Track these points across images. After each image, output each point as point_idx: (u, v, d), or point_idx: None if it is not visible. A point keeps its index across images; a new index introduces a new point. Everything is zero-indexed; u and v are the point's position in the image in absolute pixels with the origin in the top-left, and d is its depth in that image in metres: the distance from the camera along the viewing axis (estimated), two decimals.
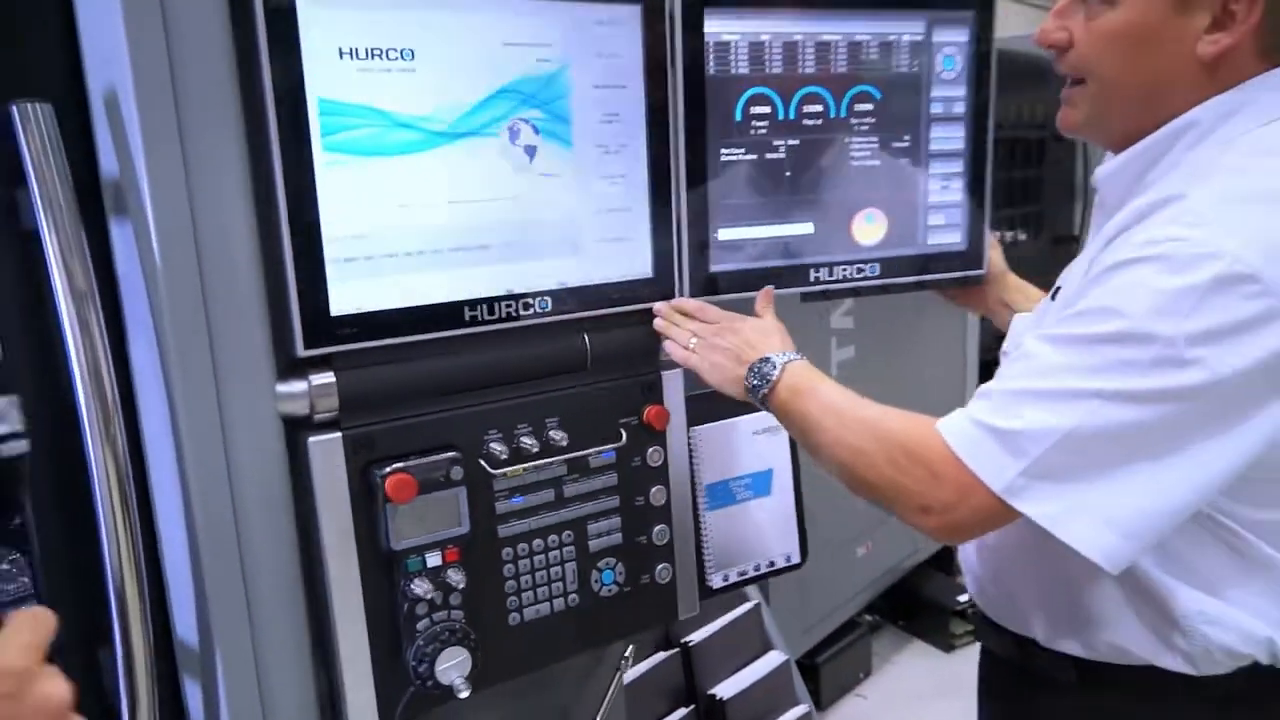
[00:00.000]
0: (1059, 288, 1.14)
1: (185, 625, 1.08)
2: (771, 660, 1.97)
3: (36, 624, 0.65)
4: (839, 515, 2.54)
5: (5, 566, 0.99)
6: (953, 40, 1.36)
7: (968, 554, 1.26)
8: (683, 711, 1.83)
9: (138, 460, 1.06)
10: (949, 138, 1.38)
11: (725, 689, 1.86)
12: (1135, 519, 0.94)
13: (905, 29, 1.34)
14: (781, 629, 2.08)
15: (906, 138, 1.36)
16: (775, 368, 1.15)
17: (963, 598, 3.26)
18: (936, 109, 1.37)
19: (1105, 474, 0.94)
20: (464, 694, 1.11)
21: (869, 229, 1.38)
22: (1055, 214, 4.25)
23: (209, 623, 1.05)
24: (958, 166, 1.39)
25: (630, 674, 1.50)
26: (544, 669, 1.25)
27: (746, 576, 1.45)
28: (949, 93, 1.37)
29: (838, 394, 1.12)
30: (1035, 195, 4.08)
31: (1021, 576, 1.17)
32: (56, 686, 0.64)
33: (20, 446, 0.93)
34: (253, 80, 0.99)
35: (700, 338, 1.22)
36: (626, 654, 1.41)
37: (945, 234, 1.41)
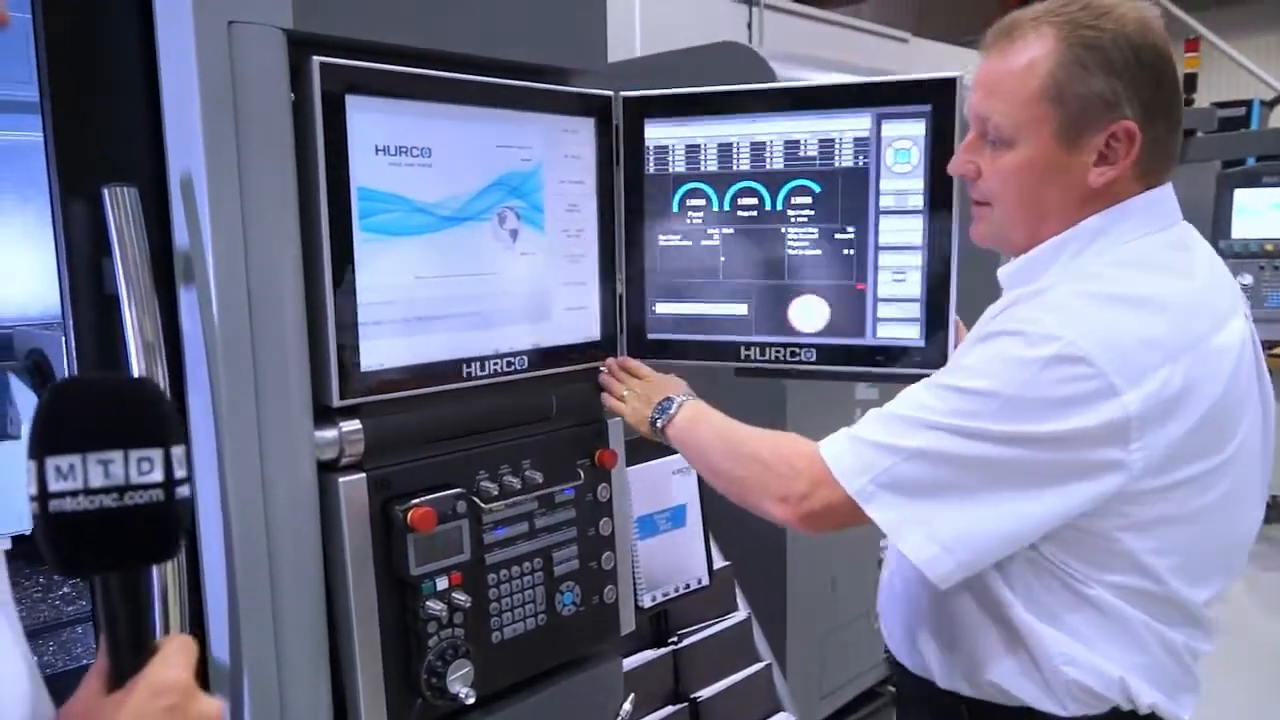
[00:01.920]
0: None
1: (219, 645, 1.19)
2: None
3: (189, 647, 0.72)
4: (861, 587, 2.68)
5: (66, 590, 1.08)
6: (905, 134, 1.40)
7: (882, 601, 1.43)
8: None
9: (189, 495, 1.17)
10: (902, 230, 1.41)
11: None
12: (956, 538, 1.12)
13: (849, 126, 1.41)
14: (798, 694, 2.19)
15: (850, 229, 1.42)
16: (673, 404, 1.42)
17: None
18: (887, 202, 1.41)
19: (937, 496, 1.12)
20: (470, 700, 1.27)
21: (807, 315, 1.47)
22: None
23: (240, 643, 1.17)
24: (914, 259, 1.41)
25: None
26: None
27: (669, 597, 1.68)
28: (902, 185, 1.40)
29: (724, 421, 1.38)
30: None
31: (919, 618, 1.33)
32: (212, 704, 0.72)
33: None
34: (307, 170, 1.16)
35: (632, 391, 1.48)
36: (627, 705, 1.59)
37: (898, 327, 1.43)
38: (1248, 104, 6.45)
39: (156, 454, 0.67)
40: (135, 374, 1.07)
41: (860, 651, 2.95)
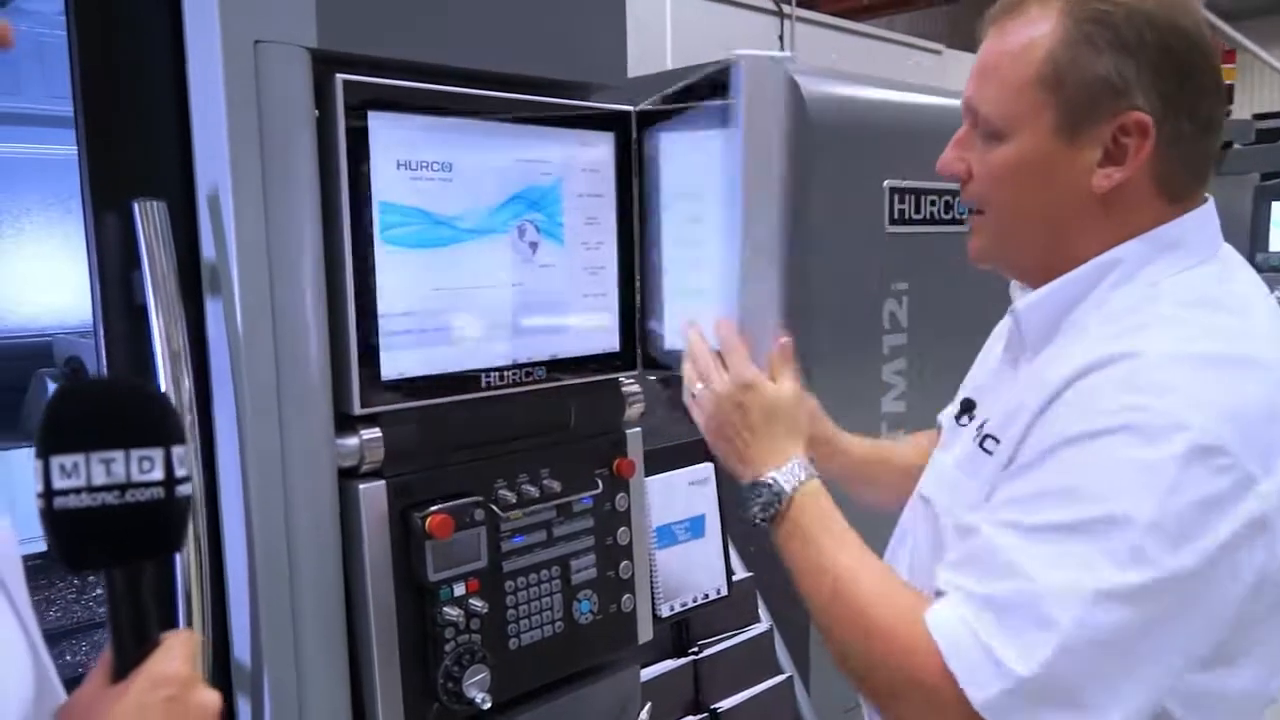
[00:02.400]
0: (970, 402, 1.16)
1: (241, 647, 1.22)
2: None
3: (191, 641, 0.76)
4: None
5: (99, 591, 1.11)
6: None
7: None
8: None
9: (211, 500, 1.20)
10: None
11: None
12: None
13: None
14: (821, 709, 2.20)
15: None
16: (780, 500, 1.08)
17: None
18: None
19: (1096, 681, 0.87)
20: (486, 705, 1.29)
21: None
22: None
23: (260, 644, 1.20)
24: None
25: None
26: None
27: (687, 607, 1.69)
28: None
29: (842, 553, 1.05)
30: None
31: None
32: (211, 695, 0.75)
33: None
34: (330, 184, 1.19)
35: (707, 389, 1.19)
36: (644, 714, 1.59)
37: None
38: None
39: (157, 453, 0.70)
40: (161, 381, 1.10)
41: None
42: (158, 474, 0.70)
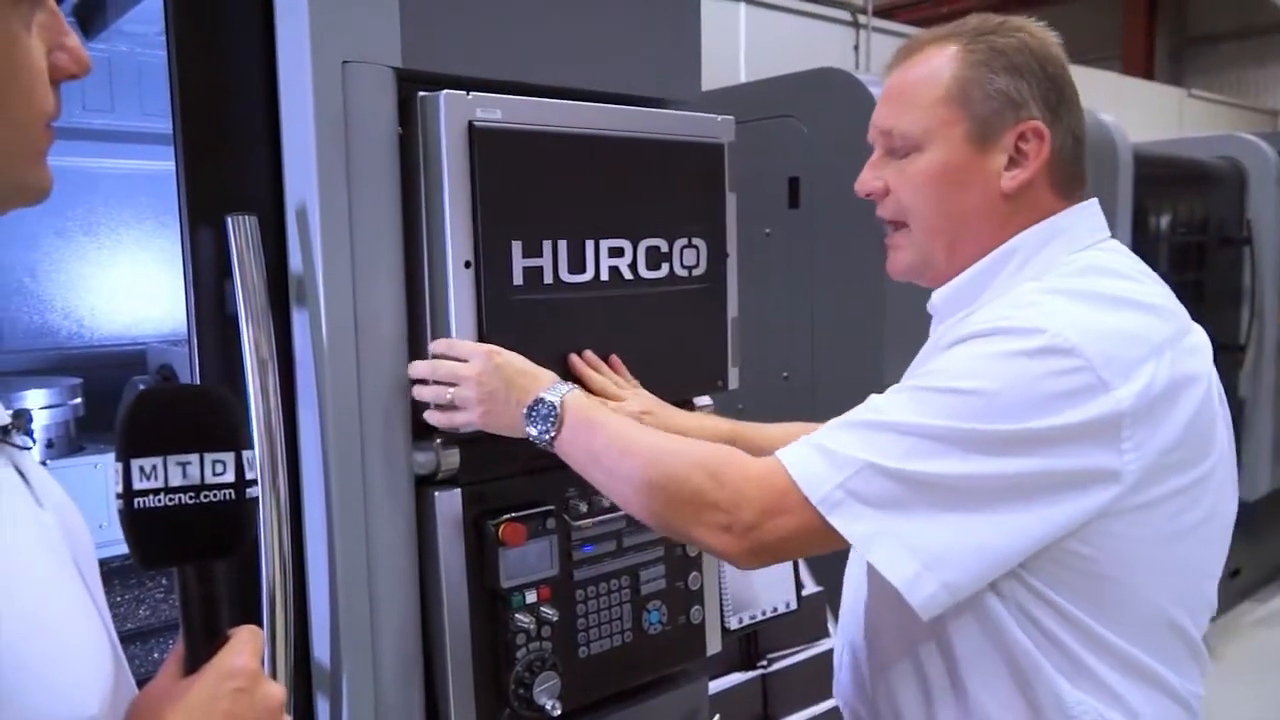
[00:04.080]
0: None
1: (321, 648, 1.26)
2: None
3: (256, 637, 0.78)
4: None
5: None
6: None
7: (844, 638, 1.34)
8: None
9: (295, 504, 1.25)
10: None
11: None
12: (938, 555, 1.01)
13: None
14: None
15: None
16: (556, 407, 1.16)
17: None
18: None
19: (915, 509, 1.01)
20: (557, 712, 1.31)
21: None
22: (1218, 321, 4.14)
23: (339, 647, 1.24)
24: None
25: None
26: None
27: (756, 620, 1.69)
28: None
29: (628, 426, 1.17)
30: (1196, 300, 3.89)
31: (890, 655, 1.23)
32: (276, 688, 0.77)
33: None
34: (411, 204, 1.23)
35: (461, 385, 1.20)
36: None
37: None
38: None
39: (229, 457, 0.73)
40: (249, 388, 1.15)
41: None
42: (229, 476, 0.73)
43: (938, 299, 1.23)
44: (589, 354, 1.35)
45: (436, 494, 1.27)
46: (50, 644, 0.64)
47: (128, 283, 2.47)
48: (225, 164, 1.24)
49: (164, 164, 1.24)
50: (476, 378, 1.19)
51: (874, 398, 1.09)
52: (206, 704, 0.71)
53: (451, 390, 1.20)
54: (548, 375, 1.22)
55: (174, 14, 1.20)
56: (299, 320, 1.22)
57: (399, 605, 1.27)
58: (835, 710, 2.08)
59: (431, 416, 1.23)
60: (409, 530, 1.27)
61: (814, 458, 1.06)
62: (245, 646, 0.75)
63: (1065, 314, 1.04)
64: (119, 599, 1.94)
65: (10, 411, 0.75)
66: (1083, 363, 1.01)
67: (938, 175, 1.16)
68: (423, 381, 1.23)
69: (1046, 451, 1.01)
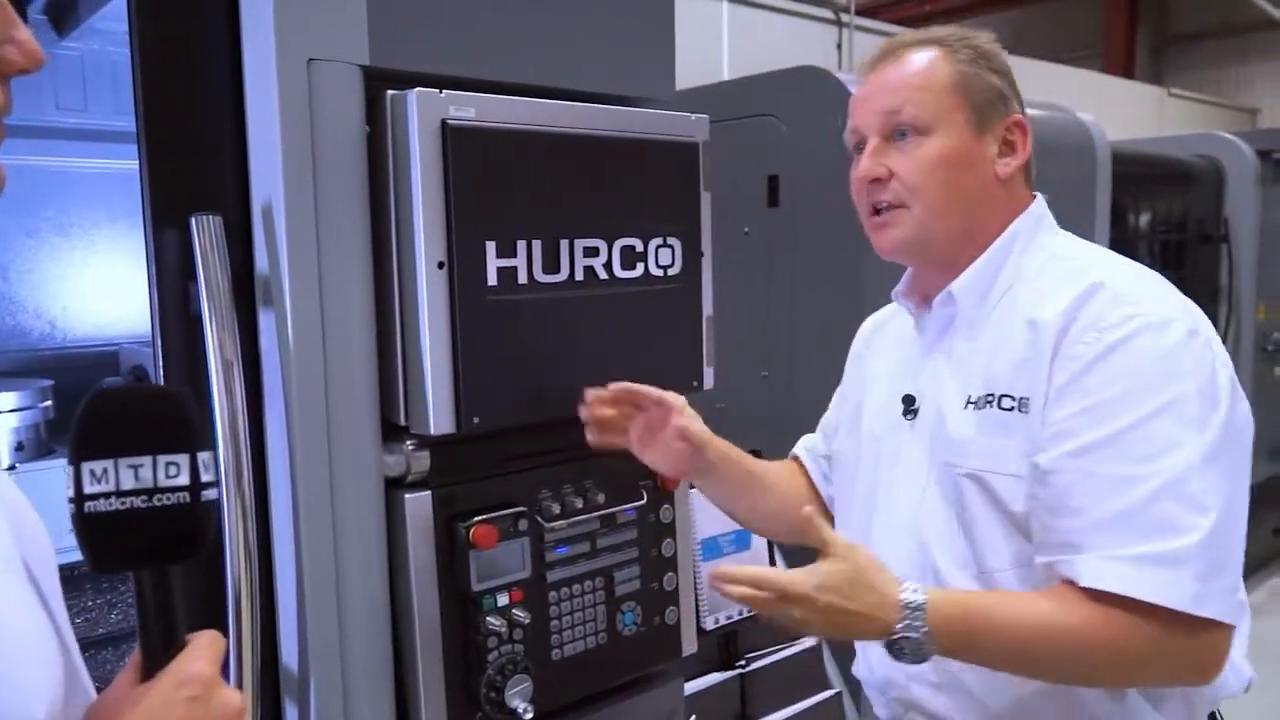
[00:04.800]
0: (910, 398, 1.28)
1: (289, 653, 1.25)
2: None
3: (216, 643, 0.76)
4: None
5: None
6: None
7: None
8: None
9: (263, 507, 1.23)
10: None
11: None
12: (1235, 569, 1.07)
13: None
14: None
15: None
16: (923, 642, 1.07)
17: None
18: None
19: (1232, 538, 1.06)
20: (529, 716, 1.30)
21: None
22: None
23: (307, 651, 1.22)
24: None
25: None
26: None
27: (732, 620, 1.69)
28: None
29: (1005, 629, 1.09)
30: None
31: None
32: (233, 695, 0.75)
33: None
34: (379, 206, 1.21)
35: (790, 611, 1.09)
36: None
37: None
38: None
39: (183, 459, 0.72)
40: (213, 389, 1.14)
41: None
42: (183, 479, 0.72)
43: (957, 288, 1.26)
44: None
45: (406, 496, 1.26)
46: None
47: (101, 283, 2.44)
48: (190, 163, 1.23)
49: (136, 163, 1.22)
50: (803, 608, 1.08)
51: (1081, 463, 1.08)
52: (161, 710, 0.69)
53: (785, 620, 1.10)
54: (882, 587, 1.09)
55: (137, 11, 1.18)
56: (265, 321, 1.21)
57: (368, 609, 1.25)
58: (813, 708, 2.09)
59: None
60: (379, 533, 1.26)
61: (1156, 570, 1.03)
62: (202, 653, 0.74)
63: (1160, 297, 1.15)
64: (90, 603, 1.92)
65: None
66: (1204, 337, 1.12)
67: (946, 157, 1.23)
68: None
69: (1236, 418, 1.10)
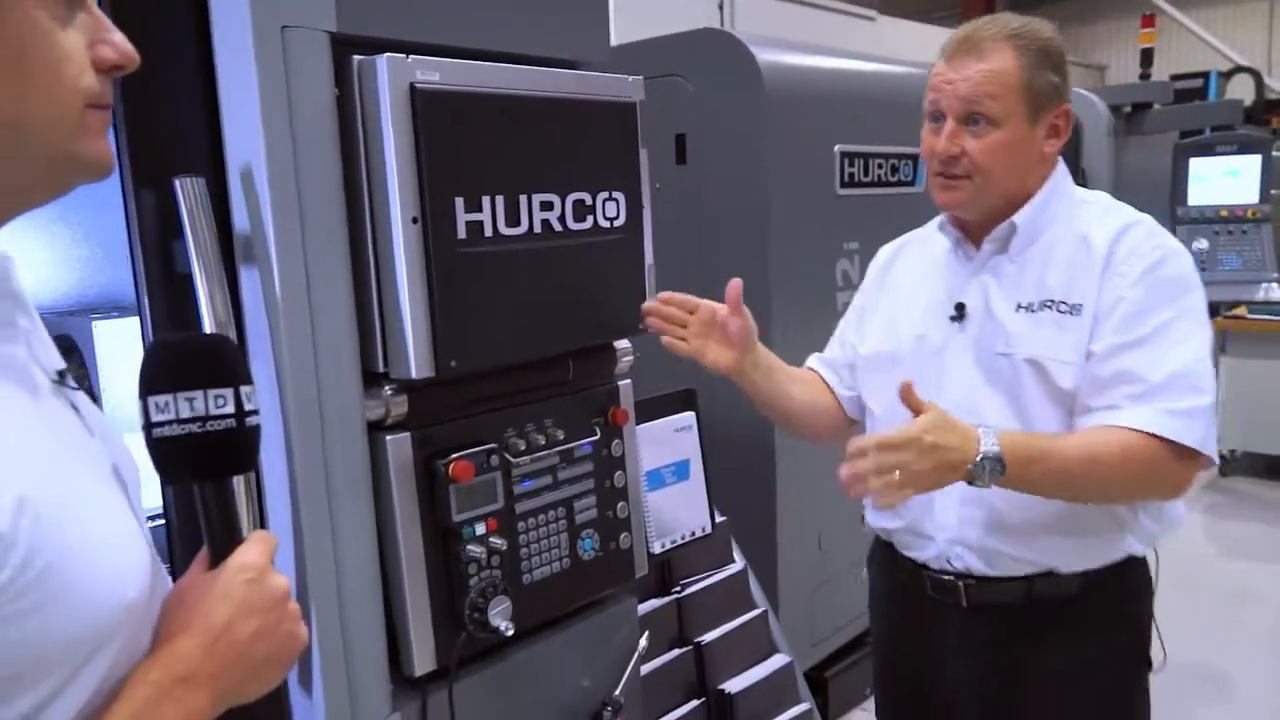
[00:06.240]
0: (961, 305, 1.66)
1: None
2: (777, 662, 2.29)
3: (267, 539, 0.92)
4: (849, 538, 2.86)
5: None
6: None
7: (973, 522, 1.64)
8: (694, 704, 2.13)
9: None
10: None
11: (734, 684, 2.18)
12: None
13: None
14: (790, 640, 2.38)
15: None
16: (1000, 460, 1.41)
17: None
18: None
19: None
20: (510, 632, 1.42)
21: None
22: None
23: (306, 582, 1.30)
24: None
25: (646, 668, 1.79)
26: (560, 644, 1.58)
27: (676, 544, 1.84)
28: None
29: (1056, 454, 1.47)
30: None
31: (1048, 522, 1.59)
32: (281, 580, 0.91)
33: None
34: (351, 164, 1.29)
35: (902, 470, 1.38)
36: (643, 641, 1.75)
37: None
38: (1205, 75, 6.67)
39: (228, 392, 0.87)
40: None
41: (848, 603, 3.15)
42: (229, 408, 0.87)
43: (1022, 220, 1.62)
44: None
45: (388, 438, 1.35)
46: (96, 543, 0.76)
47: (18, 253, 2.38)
48: (162, 127, 1.27)
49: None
50: (913, 464, 1.38)
51: (1142, 351, 1.50)
52: (224, 591, 0.84)
53: (895, 475, 1.38)
54: (962, 426, 1.44)
55: None
56: (247, 279, 1.27)
57: (359, 542, 1.34)
58: (742, 626, 2.26)
59: (882, 498, 1.41)
60: (364, 472, 1.34)
61: (1198, 428, 1.48)
62: (256, 546, 0.89)
63: (1170, 235, 1.59)
64: None
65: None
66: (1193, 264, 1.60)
67: (1008, 145, 1.57)
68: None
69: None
